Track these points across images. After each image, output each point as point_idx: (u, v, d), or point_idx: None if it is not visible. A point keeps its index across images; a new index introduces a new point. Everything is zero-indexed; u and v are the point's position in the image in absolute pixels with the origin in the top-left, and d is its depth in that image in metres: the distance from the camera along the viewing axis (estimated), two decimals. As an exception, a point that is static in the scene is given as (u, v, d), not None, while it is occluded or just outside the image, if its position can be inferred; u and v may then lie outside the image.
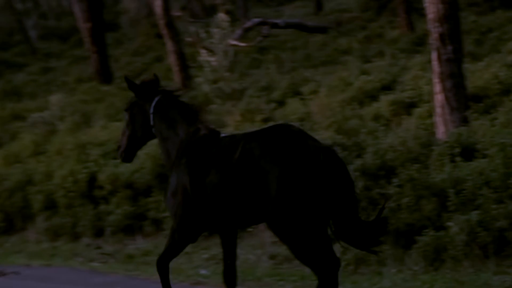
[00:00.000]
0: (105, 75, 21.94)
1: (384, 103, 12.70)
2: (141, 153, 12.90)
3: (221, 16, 16.15)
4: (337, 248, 6.86)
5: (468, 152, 9.32)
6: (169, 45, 18.55)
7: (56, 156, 14.63)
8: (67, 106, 18.16)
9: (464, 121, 10.22)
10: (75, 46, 31.23)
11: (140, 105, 7.27)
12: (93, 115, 17.43)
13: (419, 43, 16.95)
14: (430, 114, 11.20)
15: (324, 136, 10.86)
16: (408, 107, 12.54)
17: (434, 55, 10.36)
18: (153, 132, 7.21)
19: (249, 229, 10.62)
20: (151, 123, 7.16)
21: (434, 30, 10.33)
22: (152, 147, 12.90)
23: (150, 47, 26.20)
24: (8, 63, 31.19)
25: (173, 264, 9.87)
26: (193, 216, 6.74)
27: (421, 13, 13.77)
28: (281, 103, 14.42)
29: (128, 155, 7.42)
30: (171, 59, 18.69)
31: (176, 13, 20.25)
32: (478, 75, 12.21)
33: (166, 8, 18.42)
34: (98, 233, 12.35)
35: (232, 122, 13.68)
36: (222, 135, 6.89)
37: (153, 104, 7.15)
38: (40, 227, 12.82)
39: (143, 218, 12.12)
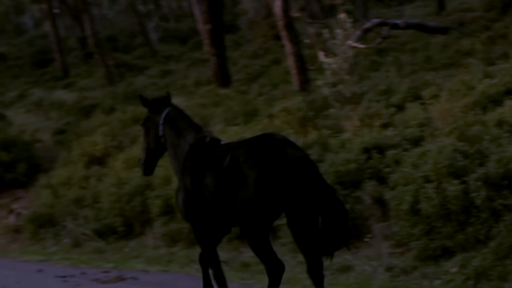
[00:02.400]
0: (223, 78, 22.11)
1: (508, 108, 12.31)
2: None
3: (342, 16, 16.01)
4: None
5: None
6: (288, 47, 18.40)
7: (174, 160, 14.85)
8: (185, 109, 18.35)
9: None
10: (194, 49, 31.76)
11: (152, 119, 8.22)
12: (211, 119, 17.60)
13: (547, 44, 16.45)
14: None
15: (445, 143, 10.65)
16: (535, 112, 12.16)
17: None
18: (162, 142, 8.11)
19: (366, 239, 10.57)
20: (160, 133, 8.10)
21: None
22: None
23: (268, 49, 26.34)
24: (129, 66, 32.01)
25: (289, 273, 9.99)
26: (202, 216, 7.62)
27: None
28: (400, 107, 14.20)
29: (147, 167, 8.39)
30: (290, 62, 18.56)
31: (295, 14, 20.21)
32: None
33: (286, 9, 18.24)
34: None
35: (350, 127, 13.59)
36: (222, 142, 7.76)
37: (163, 115, 8.12)
38: (158, 232, 13.04)
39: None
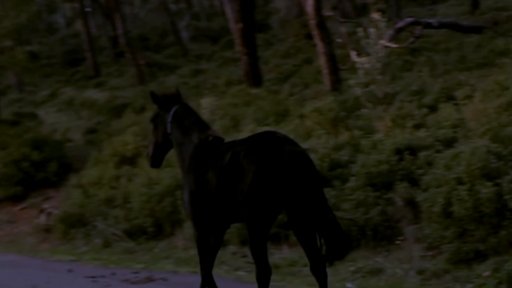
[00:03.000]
0: (254, 77, 22.07)
1: (543, 109, 12.24)
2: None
3: (375, 15, 15.93)
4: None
5: None
6: (320, 46, 18.30)
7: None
8: (217, 109, 18.40)
9: None
10: (225, 48, 31.80)
11: (161, 116, 8.52)
12: (242, 119, 17.62)
13: None
14: None
15: (478, 144, 10.58)
16: None
17: None
18: (170, 139, 8.43)
19: (397, 242, 10.54)
20: (169, 131, 8.40)
21: None
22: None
23: (300, 49, 26.29)
24: (160, 65, 32.15)
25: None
26: (204, 212, 7.89)
27: None
28: (433, 108, 14.11)
29: (154, 160, 8.78)
30: (321, 61, 18.46)
31: (327, 13, 20.17)
32: None
33: (318, 7, 18.11)
34: (245, 241, 12.39)
35: (382, 127, 13.54)
36: (226, 141, 8.08)
37: (171, 113, 8.39)
38: (188, 233, 13.04)
39: (289, 227, 12.15)
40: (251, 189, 7.26)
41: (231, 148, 7.65)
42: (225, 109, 18.67)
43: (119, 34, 30.53)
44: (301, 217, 7.47)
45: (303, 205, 7.38)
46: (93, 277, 11.80)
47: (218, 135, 8.23)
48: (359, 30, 15.09)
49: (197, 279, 9.03)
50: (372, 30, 14.83)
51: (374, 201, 11.23)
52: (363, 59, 14.96)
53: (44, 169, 19.14)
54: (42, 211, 17.54)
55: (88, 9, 39.21)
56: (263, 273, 7.45)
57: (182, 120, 8.36)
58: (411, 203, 10.86)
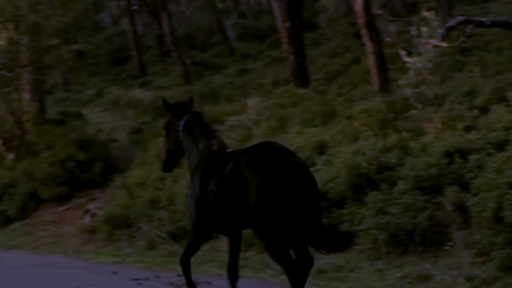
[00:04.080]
0: (301, 77, 22.05)
1: None
2: (337, 161, 12.99)
3: (426, 14, 15.78)
4: None
5: None
6: (368, 46, 18.16)
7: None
8: (263, 110, 18.40)
9: None
10: (272, 47, 31.79)
11: (174, 123, 8.97)
12: (289, 119, 17.60)
13: None
14: None
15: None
16: None
17: None
18: (182, 146, 8.88)
19: (446, 247, 10.45)
20: (181, 139, 8.85)
21: None
22: (347, 155, 12.98)
23: (348, 48, 26.19)
24: (206, 64, 32.25)
25: (365, 281, 9.96)
26: (203, 218, 8.32)
27: None
28: (484, 110, 13.93)
29: (167, 166, 9.31)
30: (370, 61, 18.33)
31: (376, 11, 20.05)
32: None
33: (367, 6, 18.01)
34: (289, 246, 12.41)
35: (432, 130, 13.44)
36: (228, 150, 8.44)
37: (182, 122, 8.83)
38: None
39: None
40: (258, 201, 7.58)
41: (232, 158, 8.02)
42: (272, 110, 18.66)
43: (165, 32, 30.66)
44: (297, 223, 7.78)
45: (300, 213, 7.70)
46: (137, 279, 11.89)
47: (223, 144, 8.61)
48: (409, 29, 14.97)
49: (241, 283, 9.06)
50: (424, 29, 14.69)
51: (423, 205, 11.16)
52: (413, 59, 14.83)
53: (89, 169, 19.32)
54: (86, 212, 17.71)
55: (134, 7, 39.48)
56: (292, 272, 7.68)
57: (192, 129, 8.78)
58: (460, 208, 10.78)
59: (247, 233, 12.99)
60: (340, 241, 8.12)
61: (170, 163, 9.26)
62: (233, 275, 8.82)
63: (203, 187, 8.23)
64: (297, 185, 7.59)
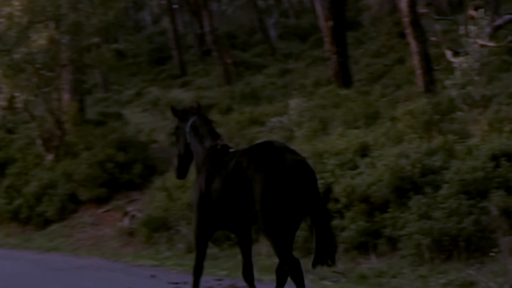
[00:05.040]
0: (344, 78, 21.97)
1: None
2: (380, 164, 12.90)
3: (473, 13, 15.61)
4: None
5: None
6: (413, 45, 18.03)
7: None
8: (305, 111, 18.33)
9: None
10: (314, 46, 31.73)
11: (181, 128, 9.26)
12: (331, 121, 17.54)
13: None
14: None
15: None
16: None
17: None
18: (190, 149, 9.12)
19: (491, 254, 10.34)
20: (188, 140, 9.13)
21: None
22: (391, 157, 12.89)
23: (392, 47, 26.06)
24: (247, 64, 32.26)
25: (408, 287, 9.88)
26: (208, 215, 8.57)
27: None
28: (532, 111, 13.79)
29: (180, 172, 9.47)
30: (415, 61, 18.20)
31: (421, 10, 19.91)
32: None
33: (412, 4, 17.89)
34: (331, 249, 12.35)
35: (478, 132, 13.31)
36: (231, 150, 8.70)
37: (189, 124, 9.13)
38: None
39: (378, 236, 12.06)
40: (263, 199, 7.76)
41: (235, 157, 8.30)
42: (313, 111, 18.59)
43: (206, 31, 30.75)
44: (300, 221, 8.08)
45: (303, 210, 7.92)
46: (176, 283, 11.90)
47: (226, 144, 8.91)
48: (455, 28, 14.81)
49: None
50: (472, 28, 14.52)
51: (468, 210, 11.07)
52: (459, 59, 14.69)
53: (129, 171, 19.44)
54: (126, 214, 17.82)
55: (175, 6, 39.64)
56: (295, 271, 7.85)
57: (197, 129, 9.09)
58: (507, 213, 10.69)
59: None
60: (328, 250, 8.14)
61: (182, 168, 9.45)
62: (248, 275, 9.03)
63: (208, 185, 8.48)
64: (299, 182, 7.77)
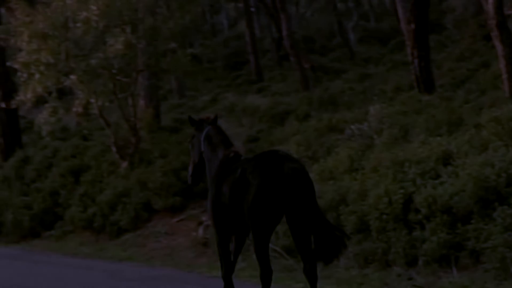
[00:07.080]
0: (426, 83, 21.72)
1: None
2: (463, 173, 12.73)
3: None
4: None
5: None
6: (499, 49, 17.79)
7: (372, 173, 14.68)
8: (385, 117, 18.19)
9: None
10: (395, 50, 31.56)
11: (197, 137, 10.01)
12: (412, 128, 17.36)
13: None
14: None
15: None
16: None
17: None
18: (203, 157, 9.84)
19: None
20: (202, 149, 9.84)
21: None
22: (475, 166, 12.71)
23: (477, 51, 25.74)
24: (325, 69, 32.24)
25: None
26: (222, 220, 9.32)
27: None
28: None
29: (194, 179, 10.18)
30: (501, 65, 17.96)
31: (508, 11, 19.62)
32: None
33: (499, 5, 17.64)
34: (411, 262, 12.25)
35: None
36: (242, 157, 9.49)
37: (204, 133, 9.86)
38: (350, 252, 12.95)
39: (460, 248, 11.89)
40: (253, 201, 8.65)
41: (242, 164, 9.09)
42: (394, 118, 18.41)
43: (283, 35, 30.78)
44: (298, 224, 8.85)
45: (300, 214, 8.76)
46: (251, 295, 11.96)
47: (238, 152, 9.67)
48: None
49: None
50: None
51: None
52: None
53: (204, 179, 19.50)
54: (200, 223, 17.89)
55: (252, 9, 39.79)
56: (266, 273, 8.82)
57: (211, 138, 9.81)
58: None
59: (364, 250, 12.98)
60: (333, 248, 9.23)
61: (196, 176, 10.12)
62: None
63: (218, 191, 9.26)
64: (295, 189, 8.66)
